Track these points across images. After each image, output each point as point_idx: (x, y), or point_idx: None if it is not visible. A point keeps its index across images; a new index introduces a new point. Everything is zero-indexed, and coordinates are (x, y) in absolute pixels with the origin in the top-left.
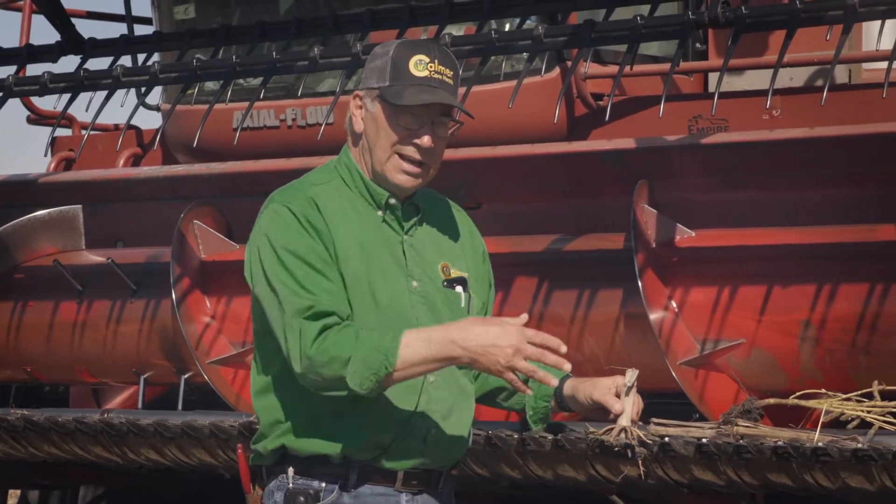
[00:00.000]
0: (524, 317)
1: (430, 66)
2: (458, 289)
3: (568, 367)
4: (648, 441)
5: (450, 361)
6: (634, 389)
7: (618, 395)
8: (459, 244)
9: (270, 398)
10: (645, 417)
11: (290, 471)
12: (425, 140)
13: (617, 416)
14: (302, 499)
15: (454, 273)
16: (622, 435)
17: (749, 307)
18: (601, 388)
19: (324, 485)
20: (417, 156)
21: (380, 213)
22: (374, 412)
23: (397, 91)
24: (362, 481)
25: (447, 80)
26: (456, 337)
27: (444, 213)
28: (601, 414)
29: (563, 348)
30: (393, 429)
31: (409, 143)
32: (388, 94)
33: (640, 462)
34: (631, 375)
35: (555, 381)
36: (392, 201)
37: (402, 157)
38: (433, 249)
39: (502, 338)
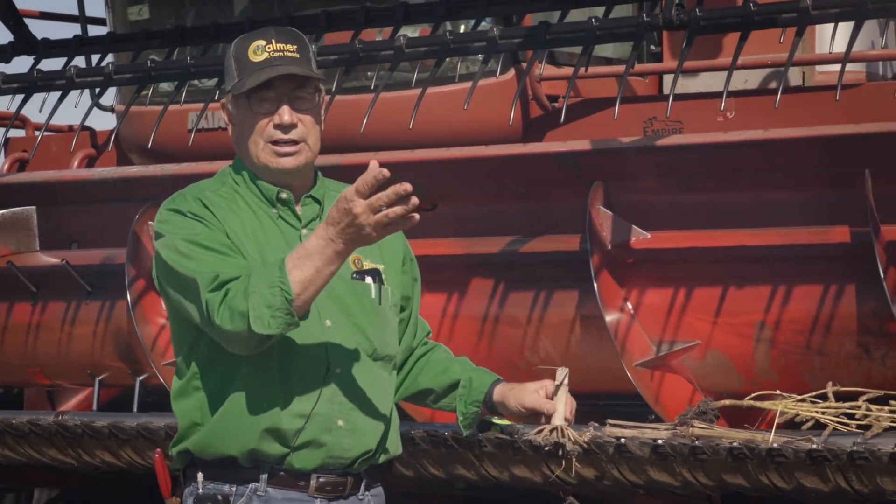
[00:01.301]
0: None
1: (268, 48)
2: (368, 280)
3: (408, 187)
4: (582, 440)
5: (339, 256)
6: (566, 388)
7: (549, 396)
8: None
9: (184, 402)
10: (601, 418)
11: (200, 476)
12: (284, 117)
13: (551, 416)
14: None
15: (366, 265)
16: (553, 434)
17: (704, 309)
18: (530, 394)
19: (234, 489)
20: (284, 136)
21: (274, 210)
22: (277, 404)
23: (241, 83)
24: (273, 485)
25: (290, 54)
26: (325, 235)
27: None
28: (537, 419)
29: (386, 172)
30: (296, 420)
31: (271, 127)
32: (236, 90)
33: (573, 461)
34: (561, 374)
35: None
36: (283, 195)
37: (273, 142)
38: None
39: (348, 206)
